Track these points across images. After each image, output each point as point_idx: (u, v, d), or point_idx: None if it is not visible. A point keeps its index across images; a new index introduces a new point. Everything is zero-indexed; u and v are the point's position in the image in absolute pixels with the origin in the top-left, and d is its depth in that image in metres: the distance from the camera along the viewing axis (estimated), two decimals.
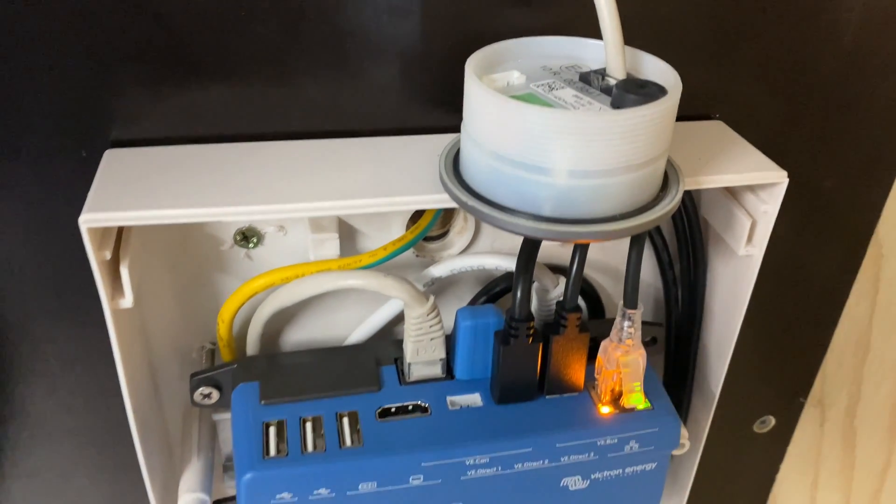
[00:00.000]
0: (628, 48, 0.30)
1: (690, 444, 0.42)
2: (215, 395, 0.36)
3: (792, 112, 0.39)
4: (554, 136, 0.26)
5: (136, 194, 0.29)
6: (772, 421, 0.53)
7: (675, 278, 0.41)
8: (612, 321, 0.34)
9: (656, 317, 0.44)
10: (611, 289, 0.42)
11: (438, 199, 0.30)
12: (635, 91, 0.27)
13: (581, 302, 0.41)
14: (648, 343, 0.41)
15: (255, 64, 0.32)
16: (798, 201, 0.42)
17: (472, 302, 0.39)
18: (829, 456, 0.50)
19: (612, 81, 0.29)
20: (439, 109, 0.35)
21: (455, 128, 0.31)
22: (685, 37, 0.36)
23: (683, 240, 0.39)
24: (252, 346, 0.37)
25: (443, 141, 0.33)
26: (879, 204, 0.43)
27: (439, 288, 0.39)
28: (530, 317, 0.32)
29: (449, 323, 0.40)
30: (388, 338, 0.38)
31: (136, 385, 0.33)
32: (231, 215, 0.29)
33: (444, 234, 0.39)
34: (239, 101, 0.33)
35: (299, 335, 0.39)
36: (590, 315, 0.41)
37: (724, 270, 0.38)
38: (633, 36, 0.34)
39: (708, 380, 0.41)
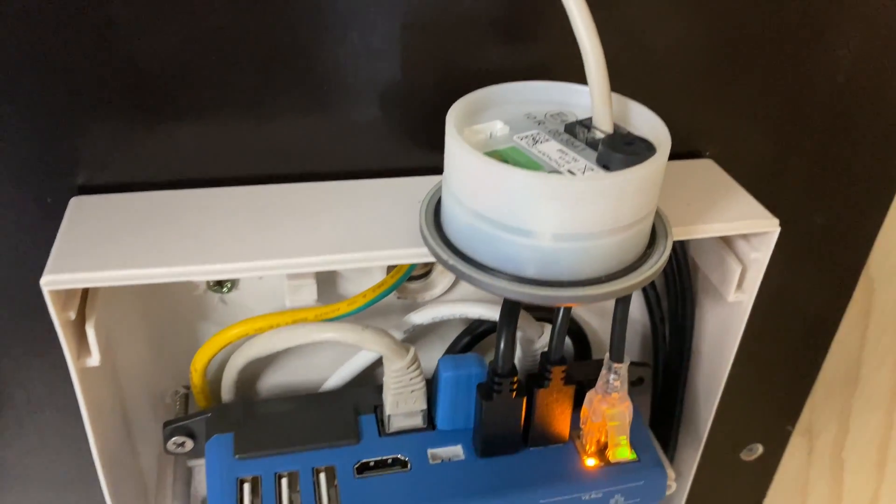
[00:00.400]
0: (616, 95, 0.29)
1: (677, 485, 0.42)
2: (189, 443, 0.35)
3: (784, 148, 0.38)
4: (537, 200, 0.25)
5: (102, 250, 0.28)
6: (759, 449, 0.52)
7: (663, 316, 0.40)
8: (599, 362, 0.33)
9: (643, 352, 0.43)
10: (597, 326, 0.41)
11: (417, 254, 0.29)
12: (622, 149, 0.26)
13: (567, 339, 0.40)
14: (635, 383, 0.40)
15: (228, 107, 0.31)
16: (790, 234, 0.41)
17: (456, 342, 0.38)
18: (816, 486, 0.49)
19: (599, 135, 0.28)
20: (421, 149, 0.34)
21: (438, 168, 0.29)
22: (676, 74, 0.35)
23: (672, 280, 0.38)
24: (227, 392, 0.36)
25: (425, 185, 0.32)
26: (871, 237, 0.43)
27: (422, 327, 0.38)
28: (513, 371, 0.31)
29: (431, 363, 0.39)
30: (368, 383, 0.37)
31: (105, 435, 0.32)
32: (200, 275, 0.28)
33: (427, 273, 0.38)
34: (211, 145, 0.32)
35: (276, 378, 0.38)
36: (576, 355, 0.40)
37: (713, 313, 0.37)
38: (623, 73, 0.33)
39: (695, 422, 0.40)
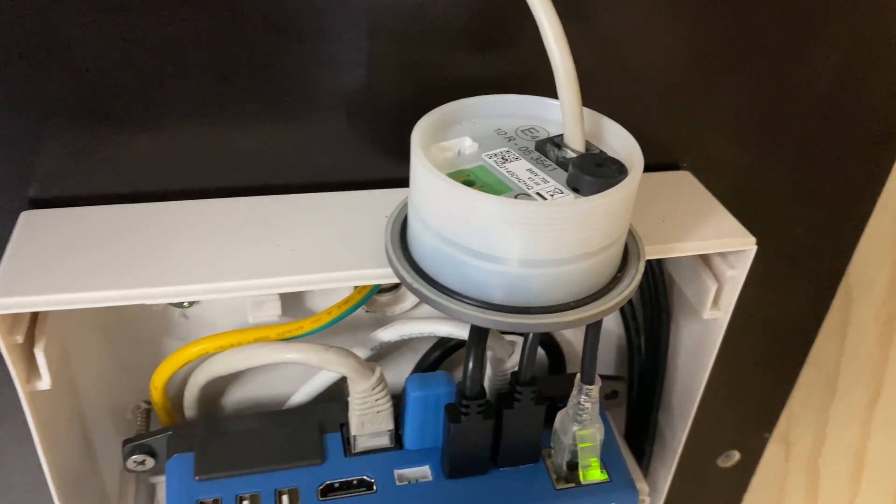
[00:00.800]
0: (588, 112, 0.28)
1: (652, 499, 0.41)
2: (150, 461, 0.34)
3: (763, 159, 0.37)
4: (504, 226, 0.24)
5: (52, 271, 0.27)
6: (736, 455, 0.52)
7: (639, 327, 0.39)
8: (572, 377, 0.32)
9: (619, 363, 0.42)
10: (572, 338, 0.40)
11: (382, 275, 0.28)
12: (592, 171, 0.25)
13: (540, 351, 0.39)
14: (609, 396, 0.39)
15: (185, 117, 0.30)
16: (769, 244, 0.40)
17: (427, 356, 0.37)
18: (792, 494, 0.49)
19: (570, 154, 0.27)
20: (389, 160, 0.33)
21: (406, 179, 0.28)
22: (653, 85, 0.34)
23: (648, 294, 0.37)
24: (190, 408, 0.35)
25: (393, 198, 0.31)
26: (850, 247, 0.42)
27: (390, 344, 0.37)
28: (482, 394, 0.30)
29: (401, 377, 0.38)
30: (336, 398, 0.36)
31: (61, 455, 0.31)
32: (155, 297, 0.26)
33: (397, 286, 0.37)
34: (169, 157, 0.30)
35: (241, 393, 0.37)
36: (550, 368, 0.40)
37: (688, 328, 0.36)
38: (599, 84, 0.32)
39: (671, 435, 0.39)
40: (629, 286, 0.27)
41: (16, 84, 0.28)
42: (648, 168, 0.35)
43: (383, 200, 0.31)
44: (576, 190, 0.25)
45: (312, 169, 0.32)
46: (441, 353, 0.37)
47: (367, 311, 0.36)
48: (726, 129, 0.36)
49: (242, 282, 0.27)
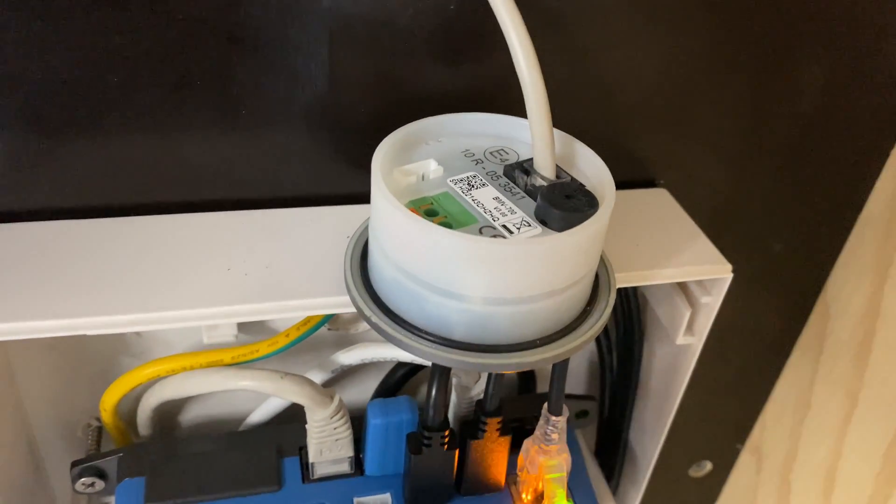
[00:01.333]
0: (560, 134, 0.27)
1: None
2: (100, 484, 0.32)
3: (742, 177, 0.36)
4: (466, 263, 0.23)
5: None
6: (708, 465, 0.51)
7: (611, 345, 0.38)
8: (542, 397, 0.31)
9: (590, 380, 0.41)
10: None
11: (340, 304, 0.27)
12: (561, 203, 0.24)
13: None
14: (579, 415, 0.38)
15: (134, 130, 0.28)
16: (747, 259, 0.39)
17: (390, 374, 0.36)
18: None
19: (539, 181, 0.25)
20: (352, 174, 0.31)
21: (367, 196, 0.26)
22: (631, 100, 0.32)
23: (620, 312, 0.36)
24: (143, 428, 0.34)
25: (355, 215, 0.29)
26: (828, 266, 0.41)
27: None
28: (445, 425, 0.29)
29: (364, 395, 0.37)
30: (295, 418, 0.35)
31: (4, 478, 0.29)
32: (96, 328, 0.25)
33: None
34: (116, 170, 0.29)
35: (197, 411, 0.36)
36: (520, 388, 0.38)
37: (661, 350, 0.35)
38: (576, 98, 0.31)
39: (641, 454, 0.39)
40: (598, 321, 0.26)
41: None
42: (624, 185, 0.34)
43: (345, 218, 0.30)
44: (543, 223, 0.24)
45: (270, 184, 0.30)
46: (406, 372, 0.36)
47: (328, 329, 0.34)
48: (705, 147, 0.34)
49: (190, 311, 0.25)
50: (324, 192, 0.31)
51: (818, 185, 0.37)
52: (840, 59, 0.33)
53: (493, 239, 0.23)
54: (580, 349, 0.25)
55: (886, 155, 0.37)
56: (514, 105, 0.28)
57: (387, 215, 0.24)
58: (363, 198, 0.31)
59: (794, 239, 0.39)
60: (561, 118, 0.26)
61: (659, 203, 0.34)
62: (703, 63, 0.32)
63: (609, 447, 0.40)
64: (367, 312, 0.25)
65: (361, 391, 0.37)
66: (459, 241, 0.22)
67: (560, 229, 0.24)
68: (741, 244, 0.39)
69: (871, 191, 0.38)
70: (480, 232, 0.24)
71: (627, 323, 0.36)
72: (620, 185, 0.33)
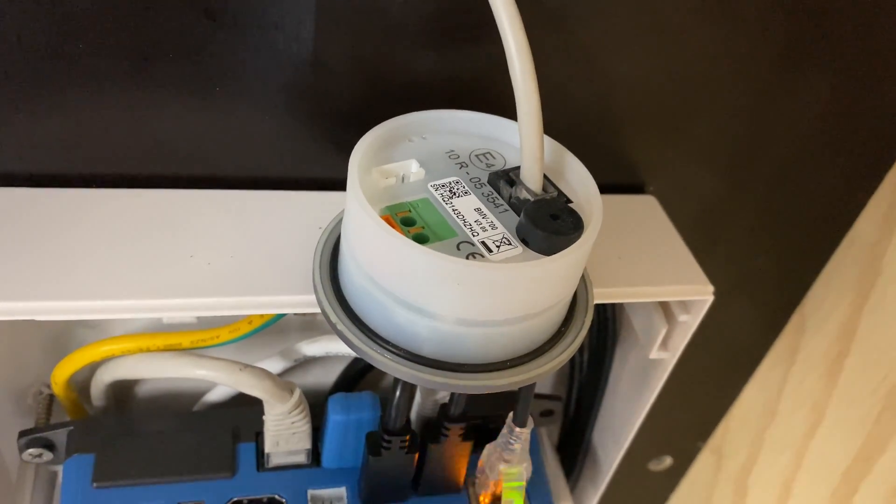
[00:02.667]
0: (551, 143, 0.25)
1: None
2: (48, 455, 0.31)
3: (731, 190, 0.35)
4: (439, 283, 0.21)
5: None
6: (668, 460, 0.51)
7: (583, 346, 0.37)
8: (509, 395, 0.30)
9: (559, 377, 0.41)
10: None
11: (305, 303, 0.25)
12: (545, 224, 0.23)
13: None
14: (544, 414, 0.38)
15: (97, 99, 0.26)
16: (728, 269, 0.39)
17: (352, 365, 0.35)
18: None
19: (524, 193, 0.24)
20: (330, 160, 0.30)
21: (345, 182, 0.25)
22: (627, 105, 0.31)
23: (595, 316, 0.35)
24: (97, 400, 0.32)
25: (329, 204, 0.28)
26: (809, 281, 0.40)
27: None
28: (406, 429, 0.28)
29: (326, 380, 0.36)
30: (253, 401, 0.34)
31: None
32: (44, 313, 0.23)
33: None
34: (77, 138, 0.27)
35: (155, 383, 0.35)
36: None
37: (634, 357, 0.35)
38: (571, 97, 0.30)
39: (603, 456, 0.38)
40: (572, 343, 0.25)
41: None
42: (613, 188, 0.33)
43: (318, 205, 0.29)
44: (524, 242, 0.23)
45: (242, 164, 0.29)
46: (368, 364, 0.35)
47: (296, 314, 0.33)
48: (698, 157, 0.33)
49: (145, 301, 0.24)
50: (298, 175, 0.30)
51: (807, 202, 0.36)
52: (840, 83, 0.32)
53: (469, 262, 0.22)
54: (550, 372, 0.24)
55: (880, 178, 0.36)
56: (503, 101, 0.26)
57: (360, 224, 0.22)
58: (339, 184, 0.30)
59: (777, 252, 0.39)
60: (554, 117, 0.24)
61: (647, 212, 0.32)
62: (703, 73, 0.30)
63: (571, 445, 0.40)
64: (334, 319, 0.24)
65: (324, 374, 0.36)
66: (435, 260, 0.21)
67: (542, 251, 0.22)
68: (724, 254, 0.38)
69: (861, 211, 0.37)
70: (458, 248, 0.22)
71: (602, 327, 0.35)
72: (610, 188, 0.33)
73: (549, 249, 0.22)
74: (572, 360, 0.38)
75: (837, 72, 0.32)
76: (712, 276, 0.30)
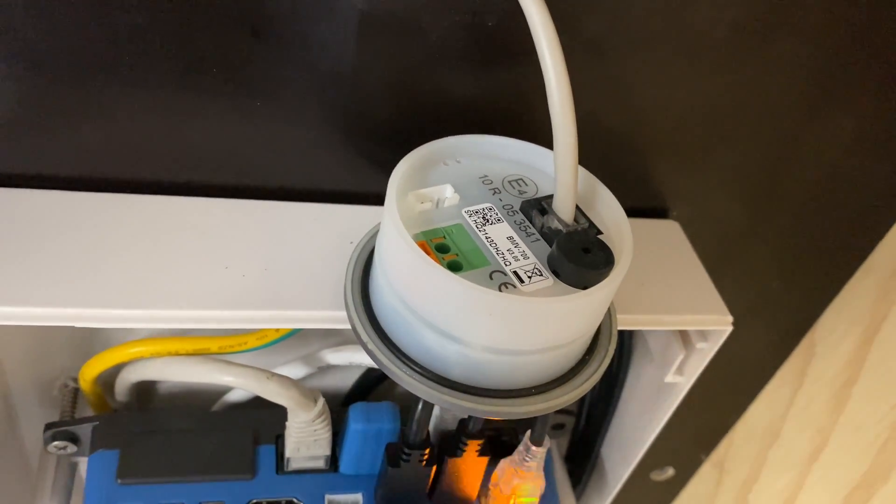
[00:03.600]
0: (583, 172, 0.26)
1: None
2: (72, 447, 0.32)
3: (754, 217, 0.36)
4: (470, 312, 0.22)
5: None
6: (670, 471, 0.52)
7: None
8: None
9: None
10: None
11: (336, 319, 0.26)
12: (577, 258, 0.23)
13: None
14: (556, 427, 0.39)
15: (143, 109, 0.26)
16: (744, 293, 0.39)
17: (369, 372, 0.36)
18: None
19: (555, 223, 0.25)
20: (363, 175, 0.30)
21: (380, 196, 0.25)
22: (656, 132, 0.31)
23: None
24: (121, 395, 0.33)
25: (362, 218, 0.29)
26: (821, 307, 0.41)
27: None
28: (425, 444, 0.29)
29: (344, 384, 0.37)
30: (273, 404, 0.34)
31: None
32: (83, 321, 0.24)
33: None
34: (120, 146, 0.27)
35: (176, 383, 0.35)
36: None
37: (648, 378, 0.35)
38: (601, 126, 0.30)
39: (611, 471, 0.39)
40: (595, 372, 0.25)
41: None
42: (637, 212, 0.34)
43: (351, 218, 0.29)
44: (555, 273, 0.23)
45: (277, 175, 0.29)
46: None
47: None
48: (721, 185, 0.34)
49: (181, 312, 0.25)
50: (330, 188, 0.30)
51: (825, 233, 0.37)
52: (864, 119, 0.32)
53: (502, 294, 0.22)
54: (573, 400, 0.25)
55: None
56: (537, 128, 0.27)
57: (396, 248, 0.23)
58: (370, 198, 0.30)
59: (793, 278, 0.39)
60: (583, 143, 0.25)
61: (669, 238, 0.33)
62: (730, 105, 0.31)
63: (580, 457, 0.41)
64: (365, 338, 0.24)
65: (338, 381, 0.37)
66: (468, 290, 0.22)
67: (573, 284, 0.23)
68: (741, 277, 0.39)
69: (879, 243, 0.38)
70: (491, 277, 0.23)
71: (618, 348, 0.36)
72: (634, 212, 0.33)
73: (579, 283, 0.23)
74: None
75: (862, 108, 0.32)
76: (728, 298, 0.30)
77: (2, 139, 0.26)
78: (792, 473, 0.44)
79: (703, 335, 0.31)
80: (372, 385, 0.36)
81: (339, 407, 0.33)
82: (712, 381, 0.46)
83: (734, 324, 0.40)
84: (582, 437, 0.40)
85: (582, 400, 0.39)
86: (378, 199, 0.29)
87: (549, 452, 0.37)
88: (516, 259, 0.24)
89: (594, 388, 0.38)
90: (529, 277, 0.23)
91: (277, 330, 0.30)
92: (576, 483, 0.41)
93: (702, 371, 0.43)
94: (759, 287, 0.39)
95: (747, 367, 0.45)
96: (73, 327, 0.31)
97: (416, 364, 0.24)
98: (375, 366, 0.32)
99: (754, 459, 0.47)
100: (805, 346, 0.43)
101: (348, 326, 0.25)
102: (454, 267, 0.23)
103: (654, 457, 0.51)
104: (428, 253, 0.23)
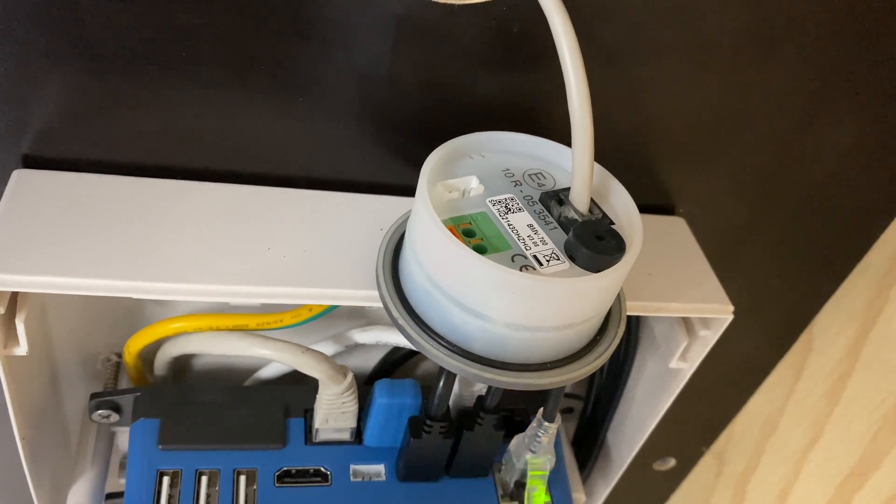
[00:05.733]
0: (598, 167, 0.28)
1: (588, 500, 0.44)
2: (115, 416, 0.35)
3: (756, 217, 0.38)
4: (494, 290, 0.24)
5: (39, 248, 0.27)
6: (672, 461, 0.54)
7: None
8: (540, 392, 0.33)
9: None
10: None
11: (369, 297, 0.28)
12: (591, 244, 0.25)
13: None
14: (565, 411, 0.41)
15: (194, 102, 0.29)
16: (746, 288, 0.41)
17: (393, 353, 0.38)
18: None
19: (572, 213, 0.27)
20: (395, 167, 0.32)
21: (407, 188, 0.27)
22: (665, 133, 0.34)
23: None
24: (160, 370, 0.36)
25: (392, 207, 0.31)
26: (819, 304, 0.43)
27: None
28: (446, 416, 0.31)
29: (369, 364, 0.39)
30: (303, 381, 0.37)
31: (28, 411, 0.31)
32: (137, 292, 0.26)
33: None
34: (171, 136, 0.30)
35: (211, 359, 0.38)
36: None
37: (653, 364, 0.38)
38: (615, 127, 0.32)
39: (616, 454, 0.41)
40: (605, 351, 0.28)
41: (23, 39, 0.26)
42: (645, 209, 0.36)
43: (382, 208, 0.32)
44: (571, 258, 0.26)
45: (315, 166, 0.32)
46: (407, 353, 0.38)
47: None
48: (726, 184, 0.36)
49: (227, 287, 0.27)
50: (363, 179, 0.33)
51: (824, 232, 0.39)
52: (864, 124, 0.34)
53: (523, 273, 0.24)
54: (585, 376, 0.27)
55: (893, 214, 0.39)
56: (555, 125, 0.29)
57: (427, 231, 0.25)
58: (401, 189, 0.33)
59: (793, 275, 0.41)
60: (598, 142, 0.27)
61: (676, 233, 0.35)
62: (737, 108, 0.33)
63: (587, 441, 0.43)
64: (395, 314, 0.27)
65: (366, 360, 0.39)
66: (492, 270, 0.24)
67: (587, 268, 0.25)
68: (743, 273, 0.41)
69: (875, 243, 0.40)
70: (513, 260, 0.25)
71: (625, 335, 0.38)
72: (643, 208, 0.35)
73: (593, 267, 0.25)
74: None
75: (862, 114, 0.34)
76: (730, 293, 0.33)
77: (68, 127, 0.29)
78: (788, 464, 0.46)
79: (706, 323, 0.33)
80: (393, 366, 0.39)
81: (363, 386, 0.35)
82: (714, 376, 0.48)
83: (736, 320, 0.43)
84: (589, 422, 0.42)
85: (590, 386, 0.41)
86: (406, 190, 0.32)
87: (558, 436, 0.39)
88: (536, 245, 0.26)
89: (602, 374, 0.41)
90: (548, 261, 0.26)
91: (310, 310, 0.33)
92: (582, 467, 0.43)
93: (705, 363, 0.46)
94: (760, 282, 0.41)
95: (748, 362, 0.47)
96: (117, 303, 0.34)
97: (442, 339, 0.26)
98: (402, 343, 0.34)
99: (753, 451, 0.49)
100: (803, 342, 0.45)
101: (380, 304, 0.28)
102: (479, 250, 0.25)
103: (656, 447, 0.54)
104: (456, 236, 0.25)
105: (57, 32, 0.26)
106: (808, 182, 0.37)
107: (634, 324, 0.38)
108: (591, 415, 0.42)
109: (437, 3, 0.27)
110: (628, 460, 0.40)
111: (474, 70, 0.30)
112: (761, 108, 0.33)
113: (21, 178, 0.29)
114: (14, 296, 0.28)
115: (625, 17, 0.29)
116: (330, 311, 0.33)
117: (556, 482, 0.36)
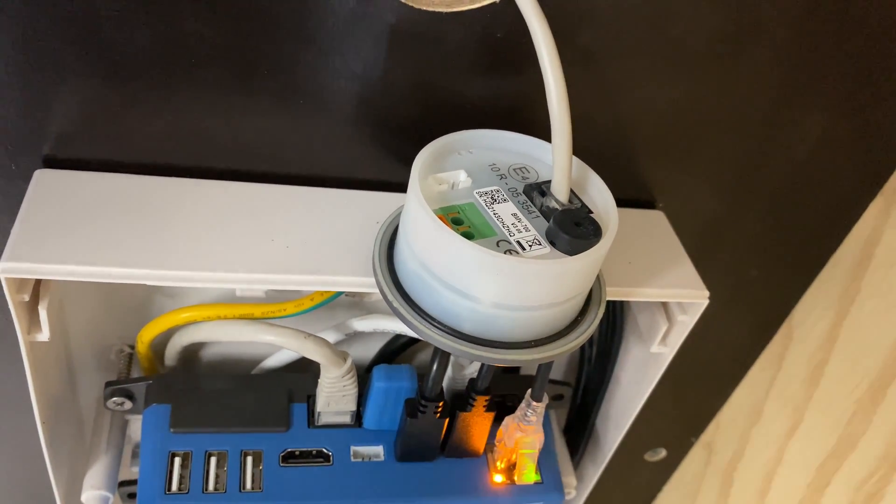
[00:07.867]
0: (577, 162, 0.30)
1: (578, 490, 0.45)
2: (128, 404, 0.37)
3: (733, 210, 0.40)
4: (481, 273, 0.26)
5: (60, 238, 0.29)
6: (662, 452, 0.56)
7: (593, 339, 0.42)
8: (526, 378, 0.35)
9: (569, 367, 0.46)
10: None
11: (366, 284, 0.30)
12: (570, 229, 0.28)
13: None
14: (555, 398, 0.43)
15: (202, 105, 0.31)
16: (725, 280, 0.43)
17: (395, 339, 0.40)
18: (706, 495, 0.54)
19: (553, 203, 0.29)
20: (389, 165, 0.35)
21: (401, 185, 0.30)
22: (642, 130, 0.36)
23: (607, 312, 0.40)
24: (171, 359, 0.38)
25: (387, 202, 0.33)
26: (798, 294, 0.45)
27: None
28: (440, 397, 0.33)
29: (368, 353, 0.41)
30: (307, 368, 0.39)
31: (47, 391, 0.33)
32: (153, 280, 0.29)
33: None
34: (181, 136, 0.32)
35: (219, 348, 0.40)
36: (505, 367, 0.43)
37: (636, 350, 0.40)
38: (593, 126, 0.35)
39: (605, 439, 0.43)
40: (587, 330, 0.30)
41: (45, 48, 0.29)
42: (627, 203, 0.38)
43: (377, 203, 0.34)
44: (552, 244, 0.28)
45: (315, 165, 0.34)
46: (406, 341, 0.40)
47: (346, 295, 0.38)
48: (704, 179, 0.38)
49: (235, 274, 0.29)
50: (359, 177, 0.35)
51: (799, 224, 0.41)
52: (832, 118, 0.37)
53: (507, 255, 0.27)
54: (568, 353, 0.29)
55: (865, 205, 0.41)
56: (537, 123, 0.31)
57: (419, 220, 0.27)
58: (394, 186, 0.35)
59: (771, 267, 0.43)
60: (579, 140, 0.29)
61: (655, 225, 0.37)
62: (711, 105, 0.35)
63: (577, 428, 0.45)
64: (390, 297, 0.29)
65: (366, 349, 0.41)
66: (479, 253, 0.26)
67: (567, 252, 0.27)
68: (723, 266, 0.43)
69: (847, 235, 0.42)
70: (498, 245, 0.27)
71: (611, 323, 0.40)
72: (624, 203, 0.38)
73: (572, 251, 0.27)
74: (583, 352, 0.43)
75: (830, 109, 0.36)
76: (711, 286, 0.35)
77: (85, 130, 0.31)
78: (772, 449, 0.48)
79: (684, 308, 0.35)
80: (391, 356, 0.41)
81: (363, 374, 0.37)
82: (700, 368, 0.50)
83: (718, 312, 0.45)
84: (579, 410, 0.44)
85: (579, 374, 0.43)
86: (399, 187, 0.34)
87: (549, 423, 0.41)
88: (519, 231, 0.28)
89: (590, 361, 0.43)
90: (530, 246, 0.28)
91: (312, 299, 0.35)
92: (573, 453, 0.45)
93: (691, 356, 0.48)
94: (739, 275, 0.43)
95: (731, 353, 0.49)
96: (129, 296, 0.36)
97: (434, 320, 0.28)
98: (399, 329, 0.36)
99: (739, 439, 0.51)
100: (784, 332, 0.47)
101: (376, 290, 0.30)
102: (467, 236, 0.27)
103: (648, 439, 0.56)
104: (445, 224, 0.28)
105: (76, 41, 0.29)
106: (781, 176, 0.39)
107: (619, 312, 0.40)
108: (580, 403, 0.44)
109: (426, 11, 0.30)
110: (616, 444, 0.42)
111: (462, 73, 0.32)
112: (733, 106, 0.35)
113: (42, 178, 0.31)
114: (37, 285, 0.30)
115: (600, 21, 0.31)
116: (331, 301, 0.35)
117: (547, 464, 0.38)
